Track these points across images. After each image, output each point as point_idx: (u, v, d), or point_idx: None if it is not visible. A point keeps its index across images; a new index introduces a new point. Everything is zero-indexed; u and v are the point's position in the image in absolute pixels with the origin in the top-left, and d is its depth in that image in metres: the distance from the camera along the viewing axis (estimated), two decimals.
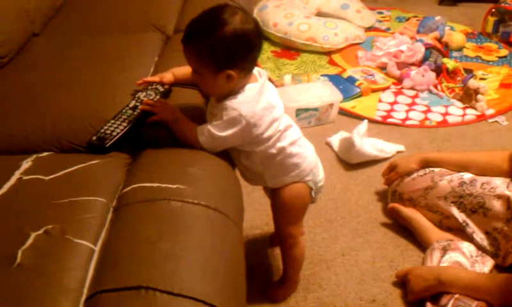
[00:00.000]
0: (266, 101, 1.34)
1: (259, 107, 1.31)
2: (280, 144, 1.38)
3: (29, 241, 1.04)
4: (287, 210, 1.49)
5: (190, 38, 1.27)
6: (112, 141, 1.37)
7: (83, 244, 1.06)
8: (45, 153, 1.36)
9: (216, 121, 1.31)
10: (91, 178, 1.26)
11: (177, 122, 1.36)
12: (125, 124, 1.39)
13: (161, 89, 1.49)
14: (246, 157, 1.41)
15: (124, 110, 1.42)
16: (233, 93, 1.30)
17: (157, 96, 1.46)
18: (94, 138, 1.38)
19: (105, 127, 1.39)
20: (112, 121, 1.40)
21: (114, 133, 1.38)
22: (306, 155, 1.45)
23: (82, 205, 1.16)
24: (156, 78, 1.52)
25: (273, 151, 1.38)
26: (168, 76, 1.53)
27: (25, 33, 1.94)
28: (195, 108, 1.48)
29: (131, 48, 1.84)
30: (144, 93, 1.47)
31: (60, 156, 1.37)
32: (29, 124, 1.45)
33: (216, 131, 1.30)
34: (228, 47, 1.24)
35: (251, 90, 1.31)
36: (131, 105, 1.44)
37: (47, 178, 1.24)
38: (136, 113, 1.41)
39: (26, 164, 1.29)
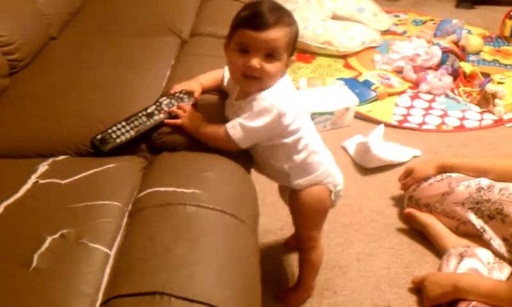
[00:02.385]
0: (291, 92, 1.37)
1: (287, 96, 1.33)
2: (306, 140, 1.38)
3: (45, 245, 1.05)
4: (308, 214, 1.49)
5: (283, 18, 1.27)
6: (112, 147, 1.37)
7: (98, 249, 1.07)
8: (62, 157, 1.37)
9: (245, 113, 1.31)
10: (107, 182, 1.27)
11: (200, 129, 1.36)
12: (132, 133, 1.38)
13: (186, 100, 1.44)
14: (272, 153, 1.40)
15: (140, 115, 1.41)
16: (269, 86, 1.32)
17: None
18: (98, 137, 1.38)
19: (114, 128, 1.39)
20: (123, 124, 1.39)
21: (118, 140, 1.37)
22: (326, 154, 1.46)
23: (98, 209, 1.16)
24: (184, 87, 1.48)
25: (300, 145, 1.38)
26: (194, 86, 1.48)
27: (42, 37, 1.94)
28: (215, 110, 1.47)
29: (148, 52, 1.84)
30: (167, 101, 1.43)
31: (76, 160, 1.37)
32: (45, 127, 1.46)
33: (247, 122, 1.30)
34: (297, 35, 1.33)
35: (278, 83, 1.33)
36: (149, 110, 1.41)
37: (63, 181, 1.24)
38: (148, 123, 1.39)
39: (42, 167, 1.29)
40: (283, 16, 1.27)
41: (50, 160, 1.33)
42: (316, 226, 1.53)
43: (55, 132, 1.44)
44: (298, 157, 1.39)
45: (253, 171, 1.51)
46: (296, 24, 1.31)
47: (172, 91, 1.46)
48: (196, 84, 1.48)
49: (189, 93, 1.45)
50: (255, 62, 1.25)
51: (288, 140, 1.36)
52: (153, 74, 1.70)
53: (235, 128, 1.31)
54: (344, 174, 1.52)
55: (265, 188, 1.72)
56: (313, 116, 2.38)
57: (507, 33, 3.36)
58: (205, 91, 1.49)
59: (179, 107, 1.40)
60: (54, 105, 1.53)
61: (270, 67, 1.27)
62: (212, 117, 1.40)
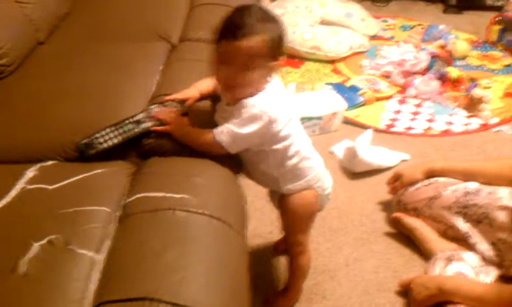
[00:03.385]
0: (282, 98, 1.36)
1: (277, 103, 1.32)
2: (296, 146, 1.38)
3: (33, 251, 1.05)
4: (296, 218, 1.49)
5: (249, 31, 1.24)
6: (96, 152, 1.37)
7: (87, 254, 1.07)
8: (50, 162, 1.36)
9: (235, 119, 1.30)
10: (96, 187, 1.27)
11: (187, 135, 1.37)
12: (120, 138, 1.39)
13: (176, 108, 1.44)
14: (262, 159, 1.40)
15: (127, 121, 1.41)
16: (256, 92, 1.31)
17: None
18: (84, 141, 1.38)
19: (102, 133, 1.39)
20: (111, 129, 1.40)
21: (105, 145, 1.37)
22: (317, 159, 1.46)
23: (86, 215, 1.16)
24: (180, 96, 1.48)
25: (290, 151, 1.38)
26: (191, 93, 1.48)
27: (30, 41, 1.94)
28: (207, 116, 1.47)
29: (137, 57, 1.85)
30: (157, 109, 1.43)
31: (65, 165, 1.37)
32: (33, 132, 1.46)
33: (236, 128, 1.30)
34: (279, 39, 1.28)
35: (268, 88, 1.32)
36: (137, 118, 1.42)
37: (51, 187, 1.24)
38: (135, 130, 1.40)
39: (30, 173, 1.29)
40: (256, 24, 1.25)
41: (38, 165, 1.33)
42: (304, 230, 1.53)
43: (43, 137, 1.44)
44: (289, 163, 1.40)
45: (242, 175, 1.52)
46: (277, 27, 1.28)
47: (166, 99, 1.47)
48: (194, 91, 1.48)
49: (180, 102, 1.45)
50: (232, 72, 1.26)
51: (278, 146, 1.36)
52: (142, 79, 1.70)
53: (224, 133, 1.31)
54: (332, 179, 1.53)
55: (254, 192, 1.73)
56: (302, 120, 2.34)
57: (493, 38, 3.39)
58: (204, 98, 1.49)
59: (165, 113, 1.40)
60: (42, 110, 1.53)
61: (247, 76, 1.26)
62: (203, 122, 1.40)
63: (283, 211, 1.51)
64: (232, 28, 1.24)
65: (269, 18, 1.28)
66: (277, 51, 1.30)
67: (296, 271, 1.59)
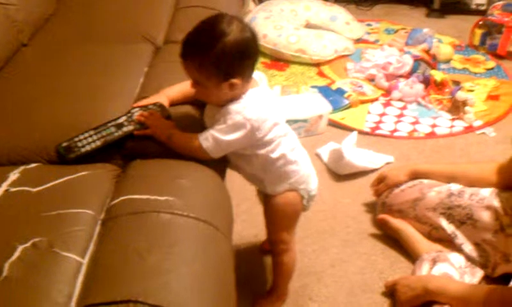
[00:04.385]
0: (268, 104, 1.36)
1: (262, 110, 1.32)
2: (281, 150, 1.38)
3: (16, 254, 1.03)
4: (279, 217, 1.50)
5: (190, 51, 1.27)
6: (76, 156, 1.35)
7: (71, 257, 1.05)
8: (33, 165, 1.35)
9: (219, 125, 1.30)
10: (80, 190, 1.25)
11: (173, 138, 1.35)
12: (98, 143, 1.36)
13: (160, 112, 1.43)
14: (246, 161, 1.41)
15: (109, 125, 1.39)
16: (236, 98, 1.31)
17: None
18: (63, 145, 1.36)
19: (81, 137, 1.37)
20: (91, 133, 1.38)
21: (83, 150, 1.35)
22: (303, 162, 1.46)
23: (70, 218, 1.15)
24: (145, 102, 1.46)
25: (275, 156, 1.38)
26: (160, 100, 1.47)
27: (13, 43, 1.92)
28: (189, 120, 1.47)
29: (121, 59, 1.83)
30: (140, 112, 1.42)
31: (48, 167, 1.35)
32: (16, 135, 1.44)
33: (221, 135, 1.30)
34: (230, 57, 1.25)
35: (253, 94, 1.32)
36: (119, 121, 1.40)
37: (34, 189, 1.22)
38: (116, 134, 1.38)
39: (13, 175, 1.27)
40: (195, 45, 1.27)
41: (22, 168, 1.31)
42: (287, 228, 1.53)
43: (26, 140, 1.42)
44: (273, 167, 1.40)
45: (228, 176, 1.51)
46: (224, 46, 1.23)
47: (140, 105, 1.46)
48: (163, 97, 1.48)
49: (162, 105, 1.44)
50: (193, 86, 1.33)
51: (262, 151, 1.37)
52: (126, 81, 1.69)
53: (208, 140, 1.31)
54: (317, 181, 1.53)
55: (240, 194, 1.73)
56: (287, 123, 2.38)
57: (476, 42, 3.42)
58: (172, 104, 1.48)
59: (148, 117, 1.39)
60: (25, 113, 1.52)
61: (199, 92, 1.33)
62: (185, 126, 1.40)
63: (267, 209, 1.51)
64: (182, 46, 1.29)
65: (218, 36, 1.24)
66: (229, 68, 1.26)
67: (280, 270, 1.59)
